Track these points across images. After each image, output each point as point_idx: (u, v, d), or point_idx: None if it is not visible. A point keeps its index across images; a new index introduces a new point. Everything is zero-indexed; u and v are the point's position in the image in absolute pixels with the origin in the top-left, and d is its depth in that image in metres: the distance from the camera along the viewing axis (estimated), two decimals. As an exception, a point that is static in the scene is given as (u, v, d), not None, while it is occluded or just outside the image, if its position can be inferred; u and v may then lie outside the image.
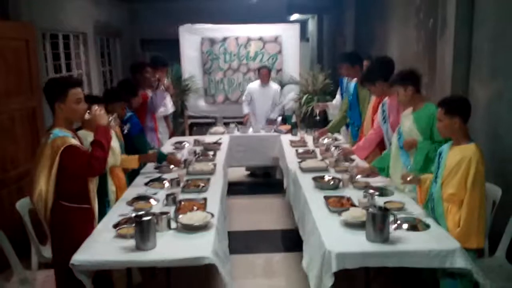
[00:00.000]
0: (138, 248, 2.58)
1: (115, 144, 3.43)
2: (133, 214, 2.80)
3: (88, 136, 3.07)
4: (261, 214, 5.51)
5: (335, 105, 5.94)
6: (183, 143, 5.45)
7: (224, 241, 3.15)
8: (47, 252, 3.39)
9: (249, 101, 6.84)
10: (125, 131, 4.04)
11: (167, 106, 5.77)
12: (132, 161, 3.86)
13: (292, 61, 8.00)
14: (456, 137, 2.90)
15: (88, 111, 2.94)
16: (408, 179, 3.14)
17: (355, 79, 5.10)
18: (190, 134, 7.81)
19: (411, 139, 3.48)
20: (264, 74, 6.73)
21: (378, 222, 2.56)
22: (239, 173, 6.97)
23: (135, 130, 4.15)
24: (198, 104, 8.16)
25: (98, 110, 2.98)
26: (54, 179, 2.77)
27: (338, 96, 5.96)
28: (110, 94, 3.98)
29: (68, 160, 2.73)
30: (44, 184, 2.78)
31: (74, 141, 2.81)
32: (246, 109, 6.84)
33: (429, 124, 3.35)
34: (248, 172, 7.08)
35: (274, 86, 6.93)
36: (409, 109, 3.56)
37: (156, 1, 9.08)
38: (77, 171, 2.80)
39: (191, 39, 7.95)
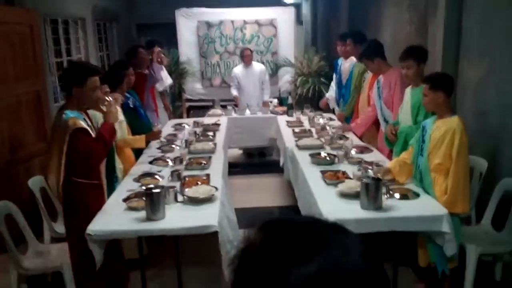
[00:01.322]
0: (148, 218, 2.77)
1: (121, 117, 3.56)
2: (143, 188, 2.98)
3: (96, 115, 3.23)
4: (259, 192, 5.68)
5: (333, 96, 6.03)
6: (183, 125, 5.62)
7: (232, 214, 3.36)
8: (58, 227, 3.58)
9: (237, 85, 6.92)
10: (131, 105, 4.19)
11: (164, 79, 5.88)
12: (139, 140, 3.99)
13: (287, 44, 8.13)
14: (440, 111, 3.09)
15: (106, 99, 3.09)
16: (379, 175, 3.19)
17: (353, 58, 5.26)
18: (188, 117, 7.95)
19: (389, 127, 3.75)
20: (246, 55, 6.80)
21: (371, 191, 2.76)
22: (236, 154, 7.14)
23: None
24: (195, 87, 8.29)
25: (114, 108, 3.13)
26: (64, 157, 2.92)
27: (332, 85, 6.04)
28: (116, 78, 4.04)
29: (74, 143, 2.86)
30: (56, 161, 2.94)
31: (84, 124, 2.93)
32: (234, 92, 6.90)
33: (418, 103, 3.52)
34: (244, 152, 7.24)
35: (258, 66, 7.00)
36: (410, 86, 3.74)
37: (152, -14, 9.15)
38: (79, 155, 2.92)
39: (188, 23, 8.05)
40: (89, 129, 2.96)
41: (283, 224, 0.74)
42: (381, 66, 4.28)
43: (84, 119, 2.98)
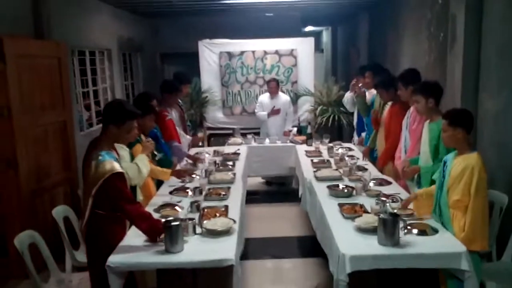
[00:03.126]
0: (167, 251, 2.82)
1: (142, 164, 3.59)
2: (163, 220, 3.03)
3: (121, 149, 3.33)
4: (278, 221, 5.70)
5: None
6: (203, 153, 5.69)
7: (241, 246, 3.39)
8: (79, 256, 3.65)
9: (263, 111, 7.05)
10: (157, 157, 4.22)
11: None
12: (165, 174, 4.10)
13: (307, 73, 8.22)
14: (459, 146, 3.09)
15: None
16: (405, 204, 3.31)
17: (373, 90, 5.30)
18: (209, 145, 8.05)
19: (411, 169, 3.71)
20: (273, 86, 6.96)
21: (388, 227, 2.76)
22: (255, 182, 7.19)
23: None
24: (216, 116, 8.42)
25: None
26: (92, 198, 2.95)
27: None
28: (144, 108, 3.97)
29: (108, 187, 2.88)
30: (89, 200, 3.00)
31: (120, 168, 2.95)
32: (264, 113, 7.01)
33: (435, 139, 3.53)
34: (264, 181, 7.30)
35: (283, 97, 7.14)
36: (428, 120, 3.74)
37: (176, 17, 9.40)
38: (109, 198, 2.93)
39: (210, 53, 8.24)
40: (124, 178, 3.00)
41: None
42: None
43: (117, 159, 3.03)
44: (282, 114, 6.98)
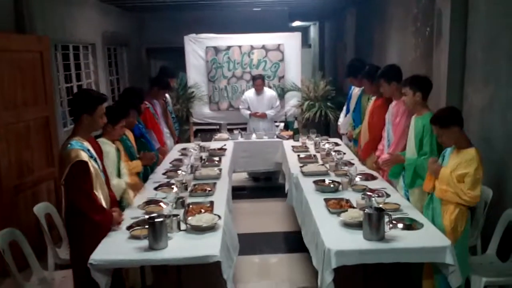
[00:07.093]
0: (151, 247, 2.77)
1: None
2: (146, 216, 2.99)
3: (107, 144, 3.32)
4: (264, 217, 5.69)
5: (345, 122, 6.02)
6: (189, 149, 5.63)
7: (233, 242, 3.35)
8: (62, 253, 3.60)
9: (247, 108, 7.06)
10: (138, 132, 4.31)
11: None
12: (136, 166, 4.02)
13: (294, 68, 8.18)
14: (459, 143, 3.08)
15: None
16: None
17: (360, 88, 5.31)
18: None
19: (392, 158, 3.76)
20: (259, 84, 6.97)
21: (373, 222, 2.75)
22: (242, 177, 7.16)
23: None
24: (203, 111, 8.36)
25: (119, 218, 3.21)
26: (62, 183, 2.97)
27: (343, 112, 6.12)
28: (120, 111, 3.82)
29: (71, 175, 2.90)
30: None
31: (86, 157, 2.95)
32: (247, 112, 7.05)
33: (420, 133, 3.52)
34: (250, 177, 7.27)
35: (269, 92, 7.14)
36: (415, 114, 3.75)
37: (162, 11, 9.31)
38: (72, 187, 2.95)
39: (196, 48, 8.16)
40: (91, 161, 2.99)
41: None
42: (395, 91, 4.24)
43: (88, 150, 3.02)
44: (268, 109, 6.97)
